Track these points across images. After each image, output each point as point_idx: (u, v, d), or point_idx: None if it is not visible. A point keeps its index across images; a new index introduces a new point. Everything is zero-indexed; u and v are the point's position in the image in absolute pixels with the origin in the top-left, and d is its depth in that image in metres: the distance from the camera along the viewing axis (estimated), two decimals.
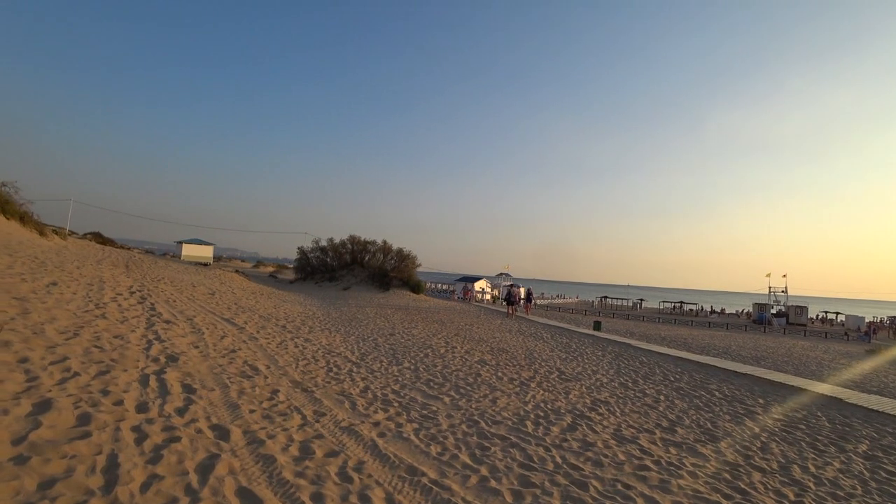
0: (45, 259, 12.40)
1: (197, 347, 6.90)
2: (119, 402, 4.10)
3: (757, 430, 6.11)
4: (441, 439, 4.49)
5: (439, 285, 47.35)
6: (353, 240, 33.08)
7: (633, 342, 15.11)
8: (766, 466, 4.79)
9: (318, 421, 4.59)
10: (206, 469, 3.21)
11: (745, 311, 58.65)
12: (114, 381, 4.60)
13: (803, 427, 6.48)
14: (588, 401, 6.70)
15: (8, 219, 15.76)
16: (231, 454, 3.52)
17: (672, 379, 9.09)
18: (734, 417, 6.60)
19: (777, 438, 5.82)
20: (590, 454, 4.49)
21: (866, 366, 15.93)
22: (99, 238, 34.54)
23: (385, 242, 32.59)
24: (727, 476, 4.39)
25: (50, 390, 3.95)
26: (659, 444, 5.10)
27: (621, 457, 4.51)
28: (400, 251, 32.15)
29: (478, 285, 41.14)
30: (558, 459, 4.28)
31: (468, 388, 6.76)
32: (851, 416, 7.35)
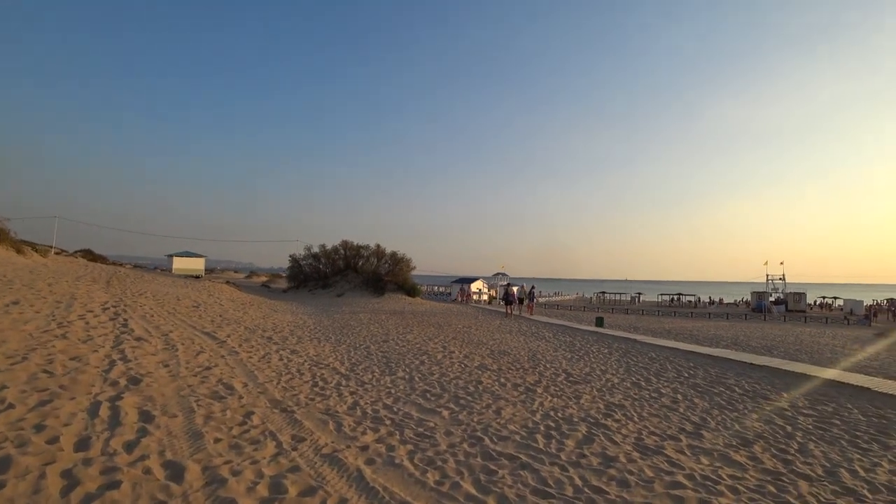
0: (13, 277, 11.68)
1: (167, 366, 6.23)
2: (53, 440, 3.44)
3: (789, 428, 5.51)
4: (440, 463, 3.86)
5: (436, 288, 46.67)
6: (346, 245, 32.39)
7: (638, 337, 14.54)
8: (810, 472, 4.19)
9: (295, 449, 3.94)
10: None
11: (743, 300, 58.37)
12: (54, 413, 3.94)
13: (837, 422, 5.90)
14: (601, 405, 6.08)
15: None
16: (182, 501, 2.88)
17: (686, 375, 8.50)
18: (761, 416, 6.00)
19: (814, 437, 5.23)
20: (613, 472, 3.86)
21: (880, 350, 15.43)
22: (90, 255, 33.63)
23: (378, 246, 31.94)
24: (772, 489, 3.78)
25: None
26: (687, 452, 4.49)
27: (649, 472, 3.89)
28: (394, 254, 31.48)
29: (475, 286, 40.46)
30: (578, 481, 3.66)
31: (469, 398, 6.13)
32: (884, 406, 6.77)
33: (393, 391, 6.25)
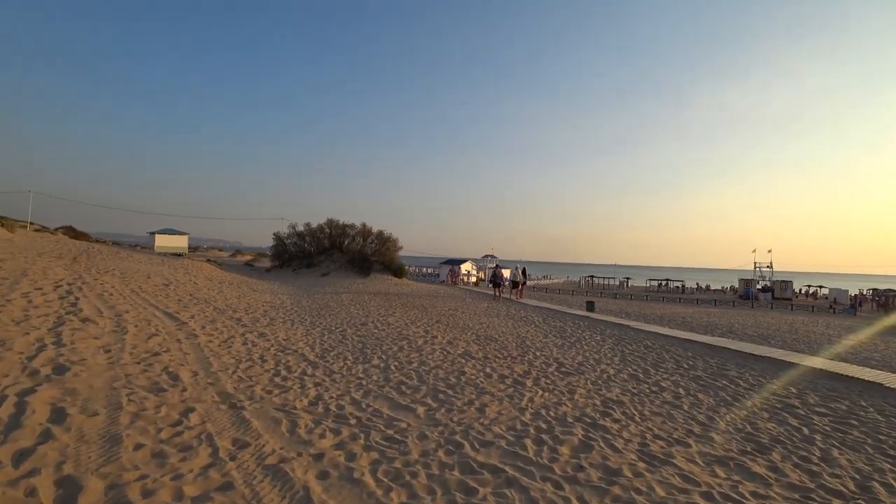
0: None
1: (108, 352, 5.47)
2: None
3: (806, 430, 4.93)
4: (408, 477, 3.18)
5: (424, 269, 46.03)
6: (332, 224, 31.39)
7: (630, 323, 14.00)
8: (842, 488, 3.59)
9: (233, 458, 3.23)
10: None
11: (730, 287, 58.55)
12: None
13: (855, 423, 5.34)
14: (598, 402, 5.45)
15: None
16: None
17: (686, 366, 7.93)
18: (773, 415, 5.42)
19: (835, 442, 4.66)
20: (617, 490, 3.21)
21: (877, 341, 15.10)
22: (72, 232, 32.24)
23: (364, 225, 31.00)
24: None
25: None
26: (699, 462, 3.87)
27: (660, 491, 3.25)
28: (380, 234, 30.61)
29: (464, 268, 39.87)
30: (576, 503, 3.01)
31: (449, 391, 5.45)
32: None
33: (364, 382, 5.55)
